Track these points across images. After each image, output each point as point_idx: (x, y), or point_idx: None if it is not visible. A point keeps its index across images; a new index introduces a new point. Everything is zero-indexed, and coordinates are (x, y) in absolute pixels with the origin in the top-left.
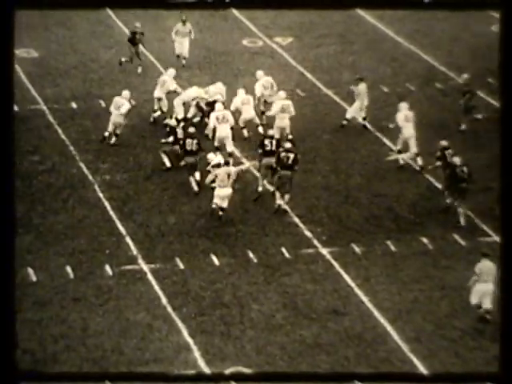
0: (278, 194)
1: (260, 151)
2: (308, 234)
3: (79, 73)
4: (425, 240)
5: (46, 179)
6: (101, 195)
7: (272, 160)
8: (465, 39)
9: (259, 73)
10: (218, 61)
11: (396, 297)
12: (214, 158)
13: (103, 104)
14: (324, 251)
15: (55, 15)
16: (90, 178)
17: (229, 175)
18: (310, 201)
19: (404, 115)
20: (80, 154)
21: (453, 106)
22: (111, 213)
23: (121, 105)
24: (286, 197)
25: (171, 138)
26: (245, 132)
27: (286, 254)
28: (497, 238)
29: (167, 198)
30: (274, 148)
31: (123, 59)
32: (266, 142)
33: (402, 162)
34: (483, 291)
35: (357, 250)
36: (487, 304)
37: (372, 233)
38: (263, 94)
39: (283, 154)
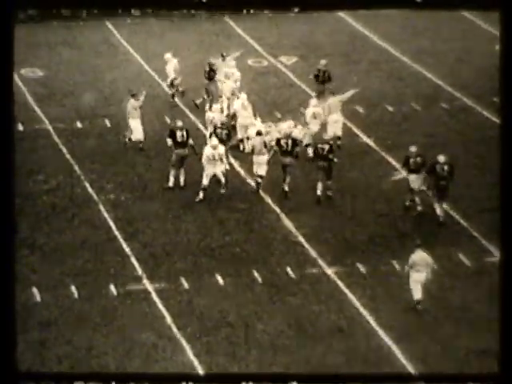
0: (319, 185)
1: (277, 149)
2: (313, 253)
3: (84, 92)
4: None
5: (51, 199)
6: (105, 215)
7: (287, 160)
8: (470, 59)
9: (167, 55)
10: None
11: (401, 317)
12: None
13: (108, 123)
14: (329, 271)
15: (60, 35)
16: (95, 197)
17: (265, 144)
18: (314, 220)
19: (312, 112)
20: (85, 173)
21: (458, 125)
22: (116, 232)
23: (231, 74)
24: (329, 183)
25: (170, 142)
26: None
27: (291, 274)
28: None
29: (172, 218)
30: (290, 148)
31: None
32: (282, 142)
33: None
34: (416, 281)
35: (362, 269)
36: (418, 294)
37: (377, 252)
38: (174, 76)
39: (319, 146)
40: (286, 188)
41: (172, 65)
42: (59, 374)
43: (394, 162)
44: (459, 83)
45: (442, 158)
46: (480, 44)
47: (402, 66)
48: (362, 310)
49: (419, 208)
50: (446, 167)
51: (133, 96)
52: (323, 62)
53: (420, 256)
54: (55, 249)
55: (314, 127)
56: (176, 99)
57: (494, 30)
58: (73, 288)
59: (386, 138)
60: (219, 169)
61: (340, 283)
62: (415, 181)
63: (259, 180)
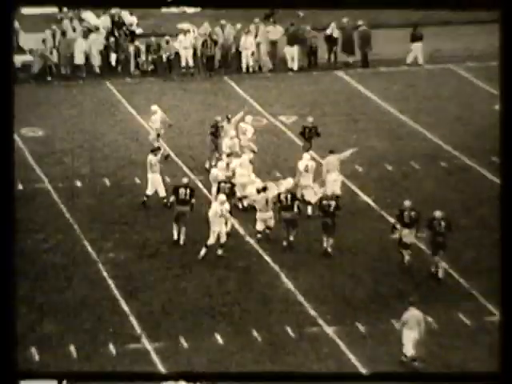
0: (324, 238)
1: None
2: (312, 312)
3: (84, 151)
4: (429, 319)
5: (50, 258)
6: (105, 274)
7: (288, 214)
8: (469, 118)
9: (154, 107)
10: None
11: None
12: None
13: (107, 182)
14: (328, 330)
15: (60, 94)
16: (94, 256)
17: (267, 200)
18: (314, 279)
19: (305, 165)
20: (84, 232)
21: (457, 185)
22: (115, 291)
23: (245, 130)
24: (330, 241)
25: (172, 199)
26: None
27: (291, 333)
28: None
29: (171, 277)
30: (289, 202)
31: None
32: (282, 197)
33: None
34: (409, 338)
35: (361, 328)
36: (410, 351)
37: (376, 311)
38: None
39: (325, 202)
40: (292, 238)
41: (158, 116)
42: (59, 374)
43: (393, 221)
44: (458, 142)
45: (438, 214)
46: (479, 104)
47: (401, 125)
48: (361, 369)
49: (406, 262)
50: (442, 223)
51: (152, 152)
52: (310, 119)
53: (412, 313)
54: (54, 308)
55: (306, 181)
56: (168, 152)
57: (493, 89)
58: (72, 348)
59: (386, 196)
60: (224, 227)
61: (339, 342)
62: (408, 235)
63: (268, 231)
